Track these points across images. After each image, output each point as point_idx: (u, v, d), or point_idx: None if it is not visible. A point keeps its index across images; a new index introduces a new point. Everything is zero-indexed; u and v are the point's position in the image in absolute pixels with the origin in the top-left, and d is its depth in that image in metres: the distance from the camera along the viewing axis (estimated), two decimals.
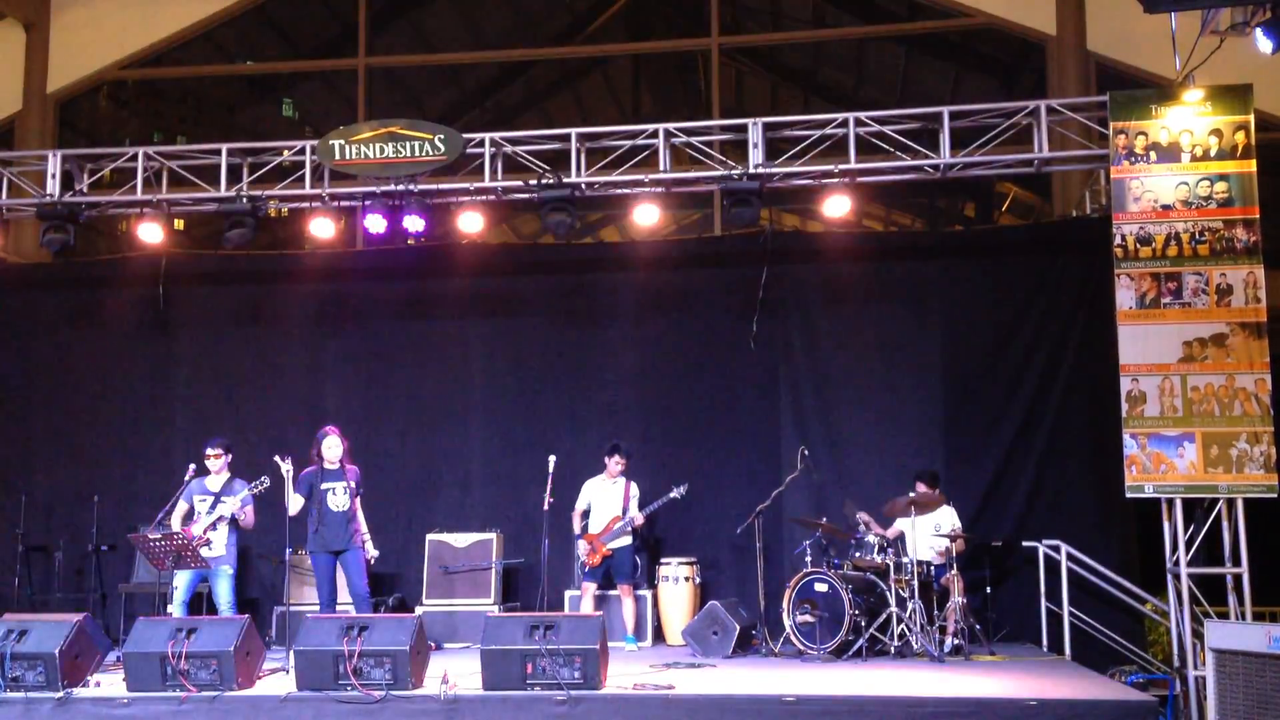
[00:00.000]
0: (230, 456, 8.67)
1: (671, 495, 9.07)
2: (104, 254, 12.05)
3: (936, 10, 11.74)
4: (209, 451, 8.60)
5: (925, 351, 10.15)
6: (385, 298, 10.90)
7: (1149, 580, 9.16)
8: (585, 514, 9.25)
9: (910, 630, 8.27)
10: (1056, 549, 9.02)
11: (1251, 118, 8.53)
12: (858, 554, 8.75)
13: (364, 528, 8.58)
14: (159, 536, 7.98)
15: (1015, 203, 12.76)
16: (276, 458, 8.25)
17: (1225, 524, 8.31)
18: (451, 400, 10.70)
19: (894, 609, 8.33)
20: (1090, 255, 9.48)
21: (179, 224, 11.82)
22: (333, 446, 8.51)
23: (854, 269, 10.33)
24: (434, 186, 9.68)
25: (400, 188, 9.56)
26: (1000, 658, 8.31)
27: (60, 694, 6.79)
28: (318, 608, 8.71)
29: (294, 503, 8.31)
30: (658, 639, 9.58)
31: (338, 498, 8.44)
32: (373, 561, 8.62)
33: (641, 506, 9.14)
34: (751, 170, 9.29)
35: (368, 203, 9.66)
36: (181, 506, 8.52)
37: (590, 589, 9.10)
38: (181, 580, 8.29)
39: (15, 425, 11.01)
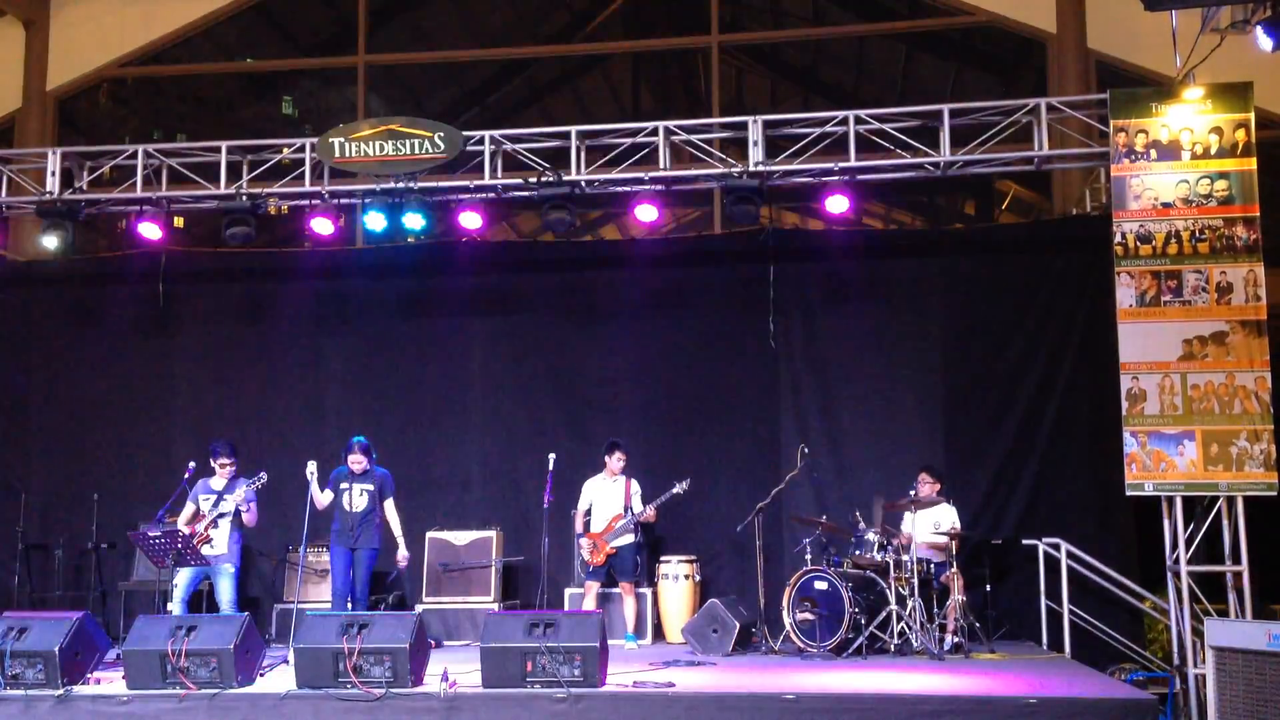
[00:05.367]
0: (235, 462, 8.69)
1: (674, 491, 9.05)
2: (103, 252, 12.04)
3: (937, 8, 11.74)
4: (219, 462, 8.62)
5: (925, 349, 10.15)
6: (385, 295, 10.89)
7: (1149, 578, 9.16)
8: (587, 513, 9.24)
9: (910, 628, 8.27)
10: (1056, 547, 9.02)
11: (1252, 115, 8.53)
12: (857, 552, 8.75)
13: (395, 526, 8.82)
14: (159, 534, 7.99)
15: (1015, 201, 12.76)
16: (310, 463, 8.63)
17: (1225, 522, 8.32)
18: (451, 398, 10.69)
19: (894, 607, 8.33)
20: (1090, 253, 9.48)
21: (179, 222, 11.79)
22: (357, 463, 8.78)
23: (854, 267, 10.33)
24: (434, 184, 9.67)
25: (400, 185, 9.56)
26: (1000, 656, 8.31)
27: (60, 691, 6.79)
28: (321, 603, 8.77)
29: (320, 498, 8.65)
30: (658, 637, 9.58)
31: (354, 498, 8.70)
32: (401, 564, 8.91)
33: (643, 504, 9.14)
34: (751, 168, 9.29)
35: (367, 200, 9.67)
36: (188, 507, 8.53)
37: (594, 588, 9.10)
38: (183, 578, 8.29)
39: (15, 423, 11.00)
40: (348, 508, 8.70)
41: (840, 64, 13.32)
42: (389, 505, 8.83)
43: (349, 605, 8.52)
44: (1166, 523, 8.45)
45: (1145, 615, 9.22)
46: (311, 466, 8.61)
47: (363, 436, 8.93)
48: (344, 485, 8.74)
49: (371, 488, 8.75)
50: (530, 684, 6.65)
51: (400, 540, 8.84)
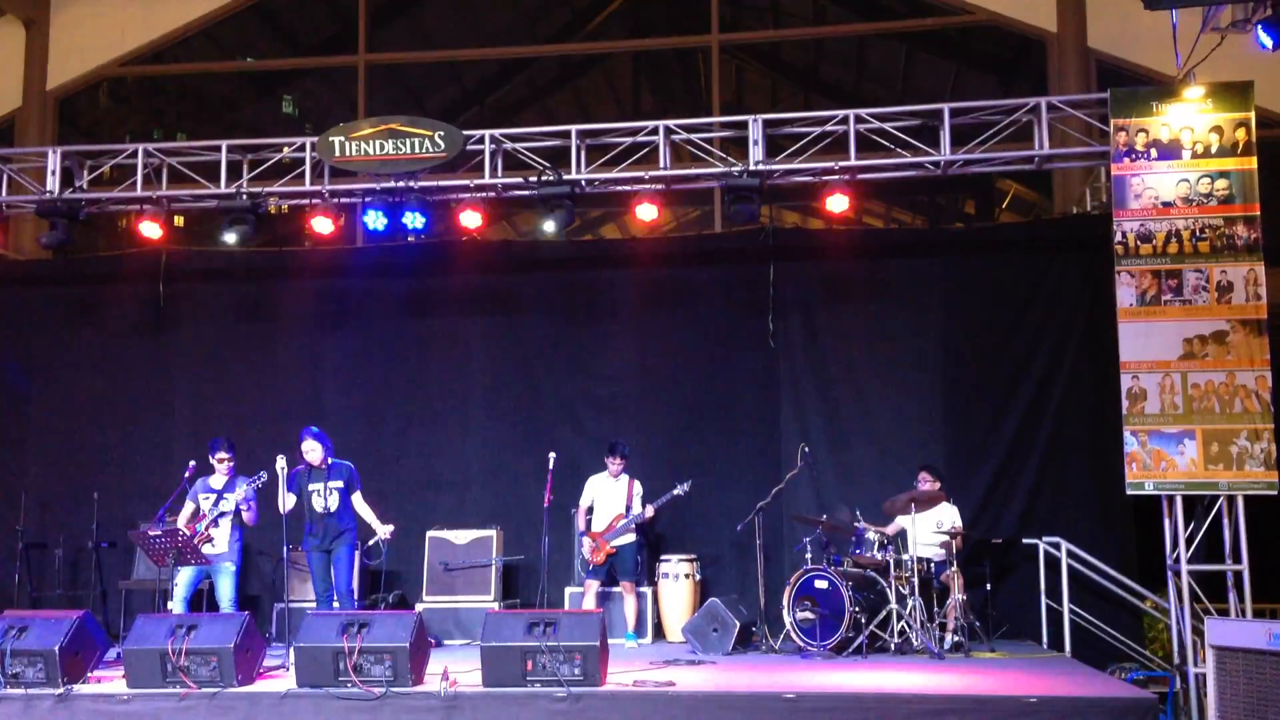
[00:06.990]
0: (234, 458, 8.64)
1: (675, 493, 9.05)
2: (104, 251, 12.04)
3: (937, 7, 11.75)
4: (217, 456, 8.54)
5: (926, 349, 10.14)
6: (385, 294, 10.89)
7: (1149, 577, 9.16)
8: (589, 511, 9.24)
9: (910, 627, 8.28)
10: (1057, 546, 9.02)
11: (1252, 114, 8.53)
12: (858, 551, 8.76)
13: (368, 515, 8.47)
14: (159, 533, 7.97)
15: (1016, 200, 12.77)
16: (279, 458, 8.24)
17: (1225, 521, 8.31)
18: (451, 397, 10.69)
19: (894, 606, 8.33)
20: (1091, 252, 9.48)
21: (179, 221, 11.81)
22: (310, 451, 8.45)
23: (854, 266, 10.33)
24: (434, 183, 9.67)
25: (400, 184, 9.56)
26: (1000, 654, 8.31)
27: (60, 690, 6.80)
28: (309, 603, 8.73)
29: (285, 501, 8.22)
30: (658, 636, 9.57)
31: (322, 498, 8.43)
32: (388, 536, 8.48)
33: (644, 503, 9.13)
34: (752, 167, 9.29)
35: (368, 199, 9.67)
36: (188, 506, 8.50)
37: (594, 586, 9.09)
38: (183, 578, 8.28)
39: (14, 422, 11.00)
40: (320, 509, 8.37)
41: (840, 63, 13.33)
42: (357, 498, 8.50)
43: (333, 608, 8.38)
44: (1167, 522, 8.44)
45: (1146, 614, 9.21)
46: (281, 462, 8.16)
47: (315, 427, 8.64)
48: (312, 486, 8.41)
49: (340, 484, 8.44)
50: (530, 683, 6.65)
51: (376, 523, 8.44)
